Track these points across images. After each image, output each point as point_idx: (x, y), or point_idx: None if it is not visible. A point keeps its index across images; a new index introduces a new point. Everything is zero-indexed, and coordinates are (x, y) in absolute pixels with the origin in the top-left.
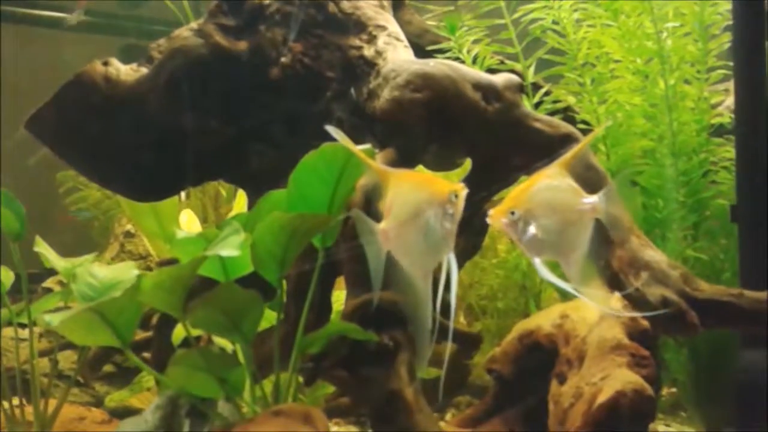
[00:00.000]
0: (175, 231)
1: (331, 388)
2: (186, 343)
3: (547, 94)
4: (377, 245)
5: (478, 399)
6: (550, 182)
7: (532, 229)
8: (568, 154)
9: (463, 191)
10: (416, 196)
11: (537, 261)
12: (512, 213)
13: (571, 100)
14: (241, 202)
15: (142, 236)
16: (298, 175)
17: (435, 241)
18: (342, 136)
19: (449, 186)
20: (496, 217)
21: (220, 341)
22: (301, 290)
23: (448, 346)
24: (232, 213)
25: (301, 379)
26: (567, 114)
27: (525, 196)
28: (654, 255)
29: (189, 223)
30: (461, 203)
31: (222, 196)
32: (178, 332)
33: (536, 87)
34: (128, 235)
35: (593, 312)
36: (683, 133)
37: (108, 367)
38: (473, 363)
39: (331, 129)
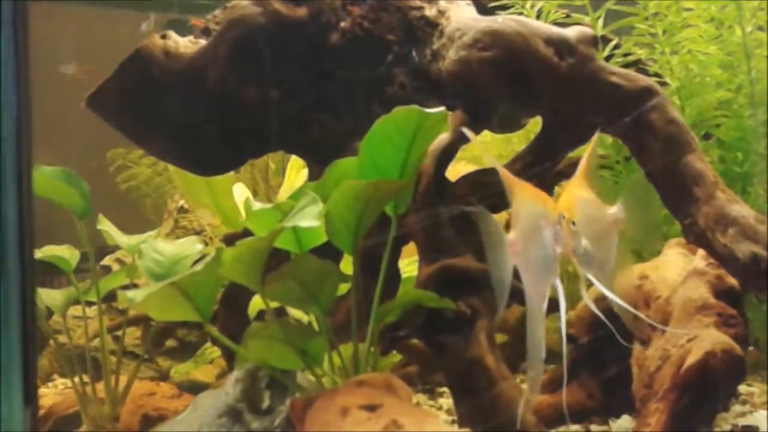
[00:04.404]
0: (251, 202)
1: (396, 358)
2: (258, 316)
3: (617, 47)
4: (504, 256)
5: (545, 365)
6: (581, 193)
7: (584, 242)
8: (584, 162)
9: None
10: (537, 210)
11: (590, 276)
12: (573, 223)
13: (641, 53)
14: (292, 174)
15: (197, 212)
16: (370, 141)
17: (549, 262)
18: (493, 162)
19: (555, 206)
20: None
21: (295, 312)
22: (370, 259)
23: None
24: (284, 185)
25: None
26: (638, 67)
27: (572, 206)
28: (741, 210)
29: (243, 196)
30: (566, 227)
31: (271, 169)
32: (255, 305)
33: (605, 40)
34: (182, 210)
35: (674, 272)
36: (762, 82)
37: (170, 342)
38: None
39: (488, 159)
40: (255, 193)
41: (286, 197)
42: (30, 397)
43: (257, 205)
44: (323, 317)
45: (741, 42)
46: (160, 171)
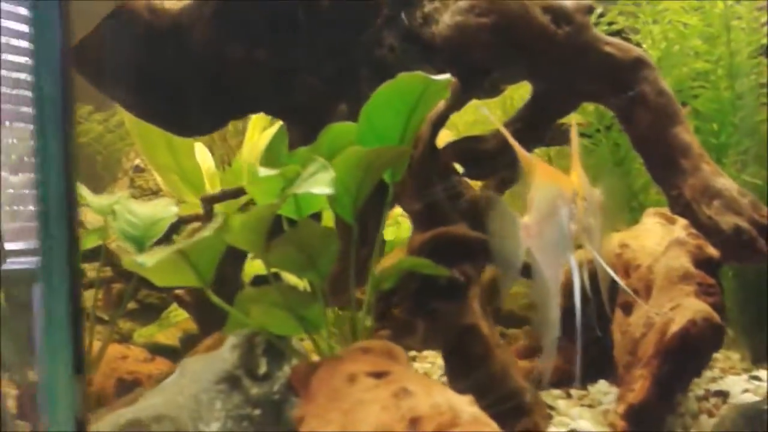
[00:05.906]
0: (257, 168)
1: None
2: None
3: (601, 16)
4: (516, 240)
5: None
6: (582, 174)
7: (592, 221)
8: (575, 142)
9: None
10: (554, 192)
11: (595, 253)
12: (584, 199)
13: (623, 21)
14: (254, 134)
15: (153, 171)
16: (372, 106)
17: (565, 241)
18: (513, 141)
19: (571, 183)
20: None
21: (290, 278)
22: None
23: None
24: (245, 146)
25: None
26: (621, 37)
27: (581, 185)
28: (725, 182)
29: (202, 156)
30: (581, 204)
31: (229, 129)
32: (251, 269)
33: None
34: (138, 169)
35: (653, 241)
36: (740, 54)
37: (131, 304)
38: (511, 294)
39: (504, 130)
40: (211, 153)
41: (248, 158)
42: (80, 366)
43: (263, 171)
44: (322, 284)
45: (722, 14)
46: (111, 128)
